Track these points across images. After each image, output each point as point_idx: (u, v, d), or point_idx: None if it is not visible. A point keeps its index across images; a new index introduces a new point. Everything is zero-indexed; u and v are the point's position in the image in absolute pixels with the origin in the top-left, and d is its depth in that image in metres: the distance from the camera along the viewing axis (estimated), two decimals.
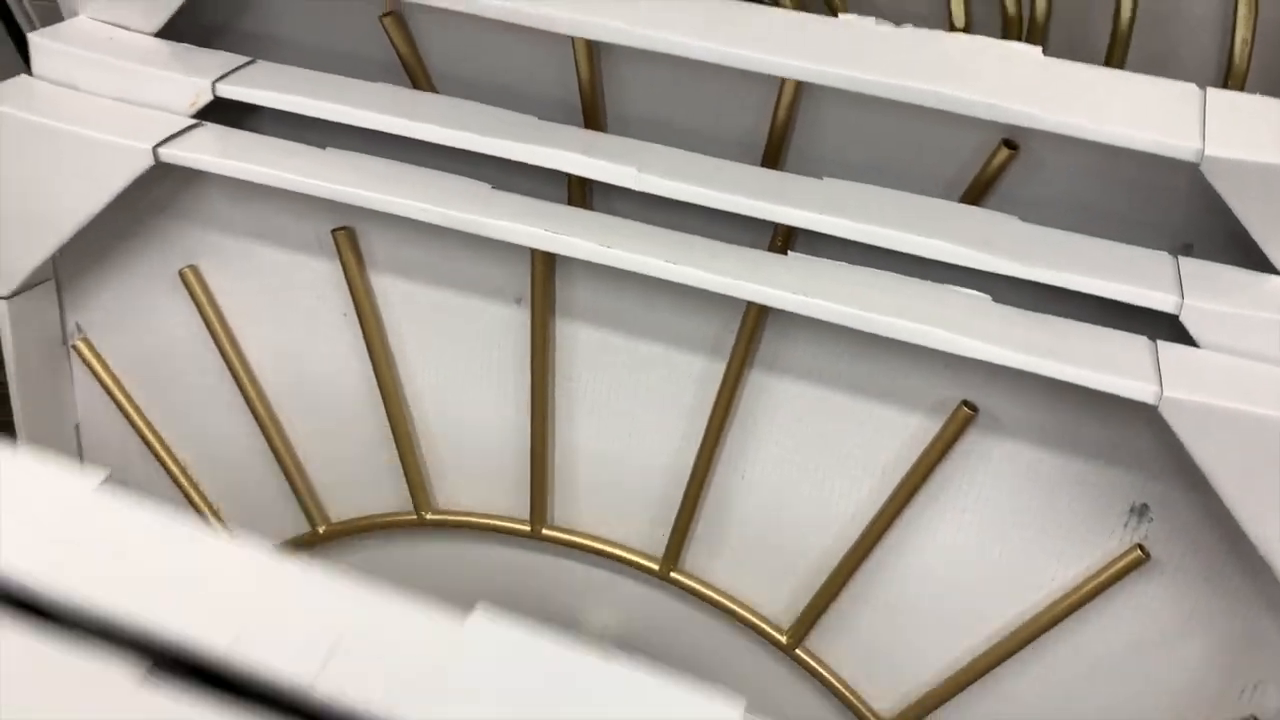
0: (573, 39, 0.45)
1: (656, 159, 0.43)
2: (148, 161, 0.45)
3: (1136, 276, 0.39)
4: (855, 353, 0.43)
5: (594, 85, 0.47)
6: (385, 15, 0.49)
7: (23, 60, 0.66)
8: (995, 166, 0.43)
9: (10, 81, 0.49)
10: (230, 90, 0.47)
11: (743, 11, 0.42)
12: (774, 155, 0.46)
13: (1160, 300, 0.39)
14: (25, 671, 0.23)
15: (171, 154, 0.45)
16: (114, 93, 0.48)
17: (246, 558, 0.26)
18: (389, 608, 0.25)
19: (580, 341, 0.47)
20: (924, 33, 0.41)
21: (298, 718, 0.23)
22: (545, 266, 0.45)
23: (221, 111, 0.47)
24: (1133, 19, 0.48)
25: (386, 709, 0.23)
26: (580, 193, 0.48)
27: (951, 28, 0.46)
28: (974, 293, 0.41)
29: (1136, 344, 0.39)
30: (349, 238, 0.48)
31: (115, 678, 0.23)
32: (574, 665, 0.24)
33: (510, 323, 0.47)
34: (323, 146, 0.46)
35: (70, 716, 0.23)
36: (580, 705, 0.23)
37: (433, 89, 0.50)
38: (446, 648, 0.24)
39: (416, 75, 0.50)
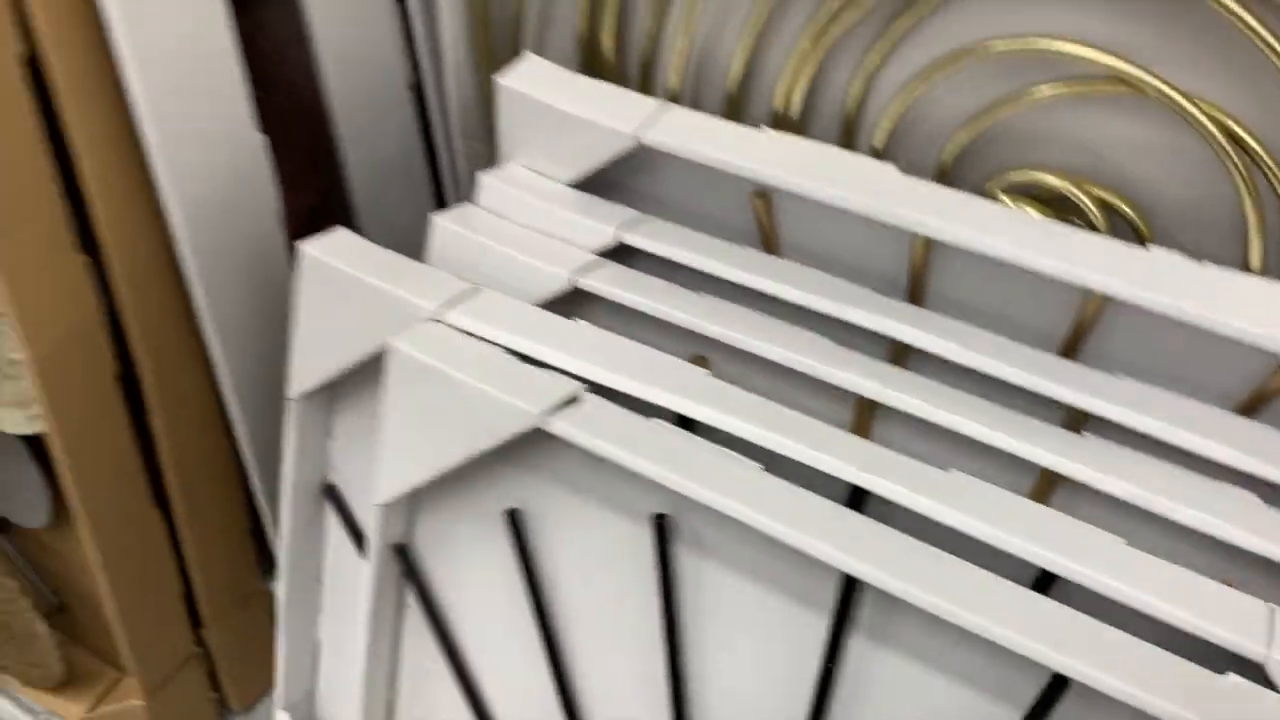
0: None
1: (976, 339, 0.52)
2: (565, 285, 0.58)
3: None
4: None
5: (922, 268, 0.57)
6: (757, 194, 0.60)
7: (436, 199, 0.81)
8: (1274, 387, 0.50)
9: (457, 208, 0.63)
10: (631, 238, 0.59)
11: (1068, 234, 0.52)
12: (1070, 349, 0.55)
13: None
14: None
15: (589, 283, 0.57)
16: (537, 226, 0.61)
17: None
18: None
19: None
20: (1225, 270, 0.49)
21: None
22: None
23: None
24: None
25: None
26: (898, 359, 0.57)
27: (1247, 269, 0.54)
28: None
29: None
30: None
31: None
32: None
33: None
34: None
35: None
36: None
37: (779, 254, 0.61)
38: None
39: (771, 243, 0.61)
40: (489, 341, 0.54)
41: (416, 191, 0.79)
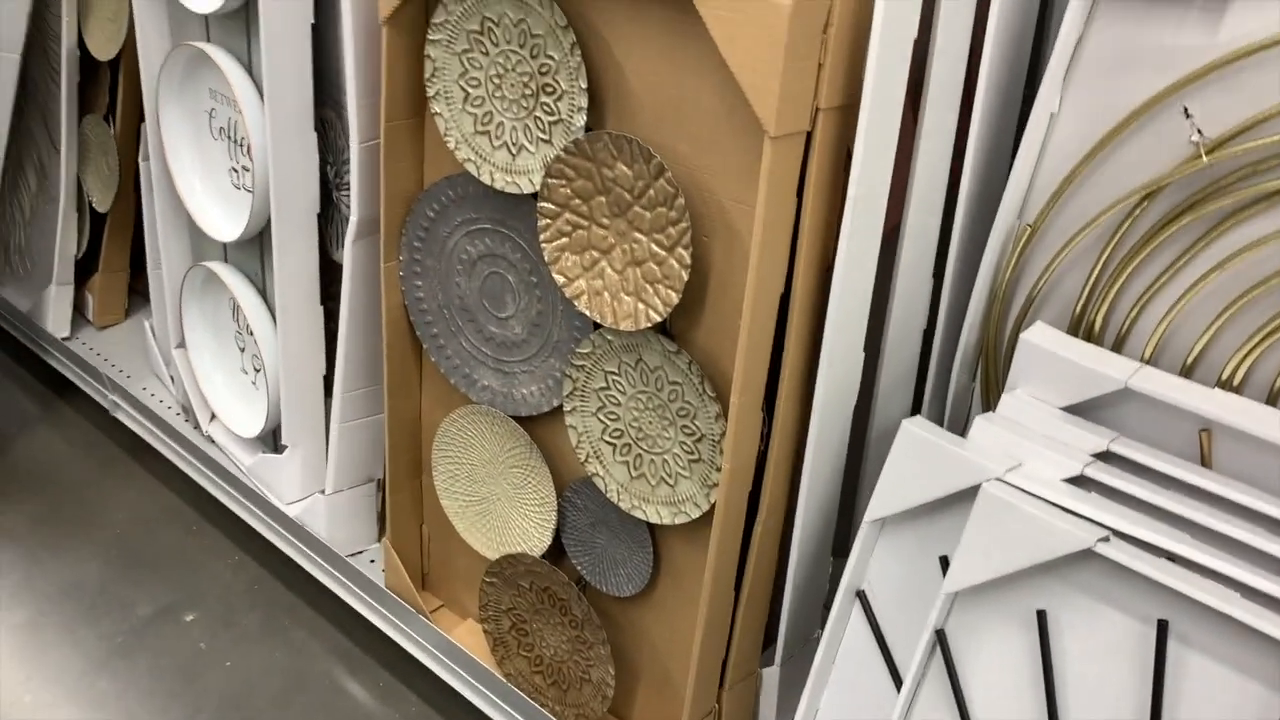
0: None
1: None
2: (1077, 471, 0.89)
3: None
4: None
5: None
6: (1202, 430, 0.91)
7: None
8: None
9: (982, 416, 0.96)
10: (1118, 448, 0.90)
11: None
12: None
13: None
14: None
15: (1092, 471, 0.88)
16: (1044, 432, 0.93)
17: None
18: None
19: None
20: None
21: None
22: None
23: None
24: None
25: None
26: None
27: None
28: None
29: None
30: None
31: None
32: None
33: None
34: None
35: None
36: None
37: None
38: None
39: (1208, 464, 0.91)
40: (1037, 496, 0.86)
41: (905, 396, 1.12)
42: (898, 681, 0.98)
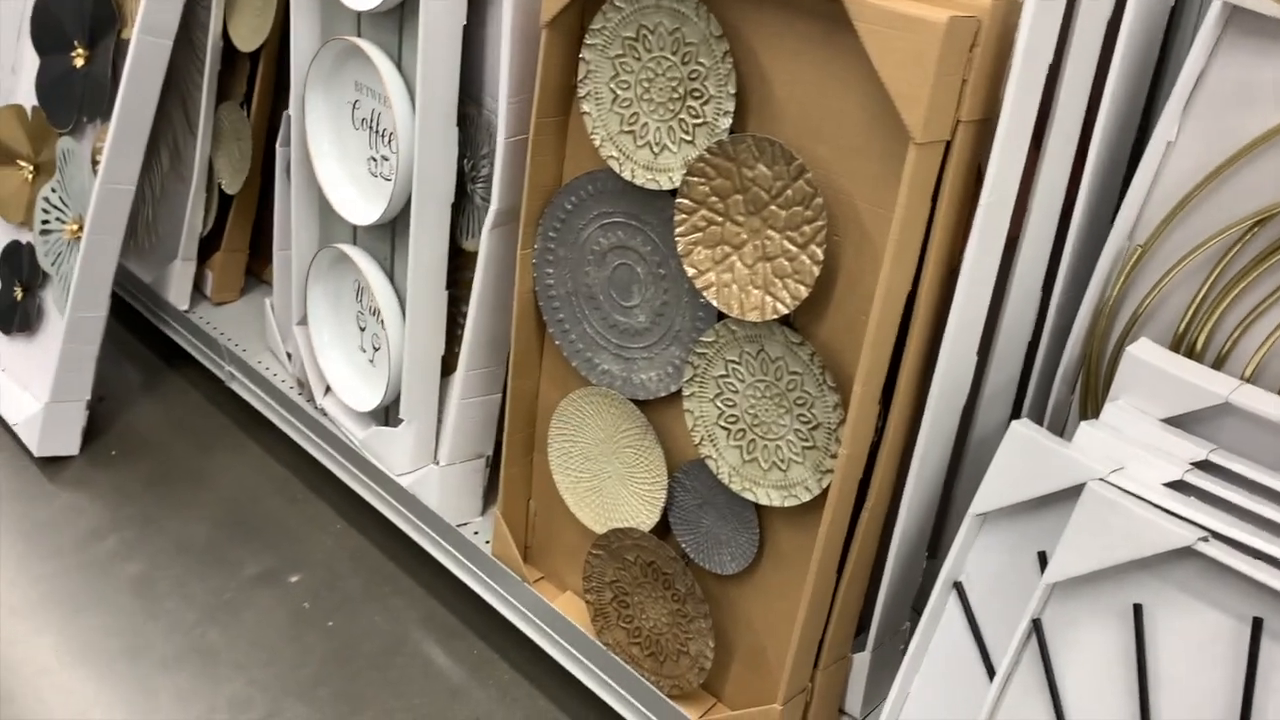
0: None
1: None
2: (1177, 477, 0.94)
3: None
4: None
5: None
6: None
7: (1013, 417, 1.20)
8: None
9: (1087, 422, 1.02)
10: (1217, 458, 0.96)
11: None
12: None
13: None
14: None
15: (1191, 478, 0.93)
16: (1144, 441, 0.99)
17: None
18: None
19: None
20: None
21: None
22: None
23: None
24: None
25: None
26: None
27: None
28: None
29: None
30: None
31: None
32: None
33: None
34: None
35: None
36: None
37: None
38: None
39: None
40: (1139, 496, 0.91)
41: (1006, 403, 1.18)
42: (990, 671, 1.04)
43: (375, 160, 1.46)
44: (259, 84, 1.79)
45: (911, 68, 0.86)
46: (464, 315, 1.44)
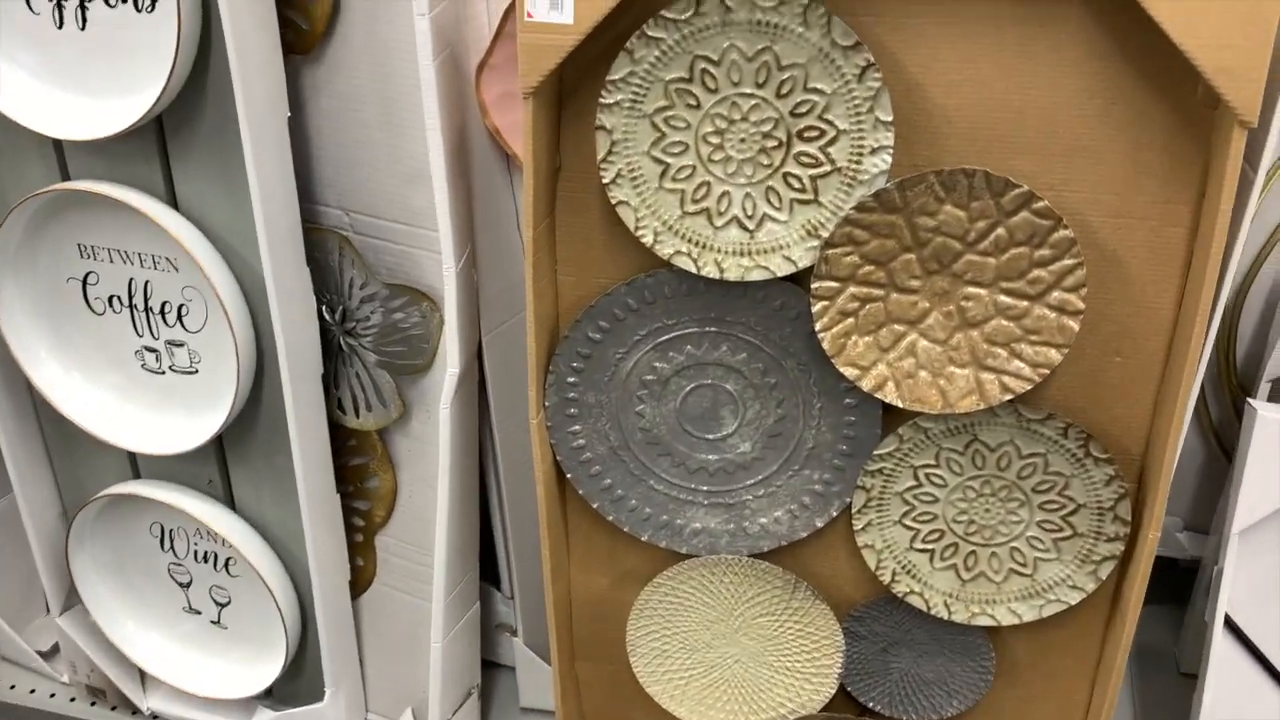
0: None
1: None
2: None
3: None
4: None
5: None
6: None
7: None
8: None
9: None
10: None
11: None
12: None
13: None
14: None
15: None
16: None
17: None
18: None
19: None
20: None
21: None
22: None
23: None
24: None
25: None
26: None
27: None
28: None
29: None
30: None
31: None
32: None
33: None
34: None
35: None
36: None
37: None
38: None
39: None
40: None
41: None
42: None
43: (155, 352, 0.95)
44: None
45: (1241, 33, 0.62)
46: (360, 518, 1.01)
